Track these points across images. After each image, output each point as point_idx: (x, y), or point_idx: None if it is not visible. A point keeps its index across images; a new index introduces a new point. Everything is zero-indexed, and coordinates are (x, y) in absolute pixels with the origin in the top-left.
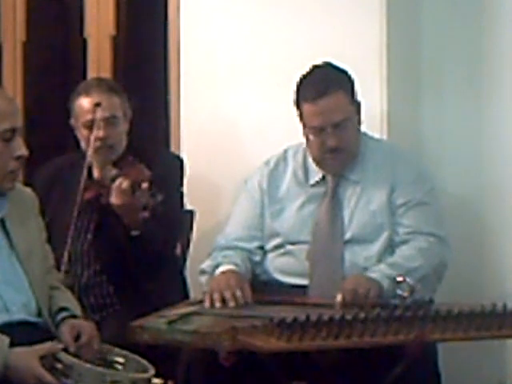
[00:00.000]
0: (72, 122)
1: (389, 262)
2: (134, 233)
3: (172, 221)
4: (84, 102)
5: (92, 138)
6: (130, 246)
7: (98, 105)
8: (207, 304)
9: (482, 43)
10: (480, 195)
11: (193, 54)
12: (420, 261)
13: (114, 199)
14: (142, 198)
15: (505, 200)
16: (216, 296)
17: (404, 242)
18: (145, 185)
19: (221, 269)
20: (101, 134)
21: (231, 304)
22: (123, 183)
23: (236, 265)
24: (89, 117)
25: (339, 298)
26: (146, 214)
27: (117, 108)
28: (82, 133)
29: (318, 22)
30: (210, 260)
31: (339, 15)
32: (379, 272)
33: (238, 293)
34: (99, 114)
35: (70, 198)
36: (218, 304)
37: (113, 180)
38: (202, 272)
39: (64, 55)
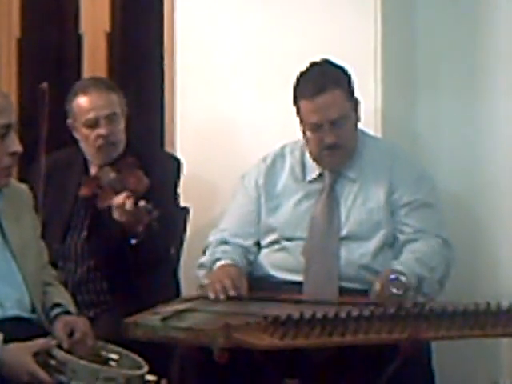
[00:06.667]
0: (70, 122)
1: (416, 259)
2: (133, 241)
3: (169, 226)
4: (82, 102)
5: (93, 135)
6: (128, 252)
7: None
8: (211, 295)
9: (477, 41)
10: (475, 193)
11: (188, 50)
12: (437, 260)
13: (118, 216)
14: (139, 213)
15: (500, 198)
16: (218, 286)
17: (412, 241)
18: (142, 203)
19: (220, 263)
20: (103, 131)
21: (231, 293)
22: (127, 203)
23: (235, 260)
24: (89, 115)
25: (378, 286)
26: (140, 228)
27: (116, 105)
28: (82, 132)
29: (314, 20)
30: (209, 255)
31: (334, 14)
32: (408, 270)
33: (239, 284)
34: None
35: (66, 194)
36: (221, 296)
37: (110, 184)
38: (201, 266)
39: (59, 52)
